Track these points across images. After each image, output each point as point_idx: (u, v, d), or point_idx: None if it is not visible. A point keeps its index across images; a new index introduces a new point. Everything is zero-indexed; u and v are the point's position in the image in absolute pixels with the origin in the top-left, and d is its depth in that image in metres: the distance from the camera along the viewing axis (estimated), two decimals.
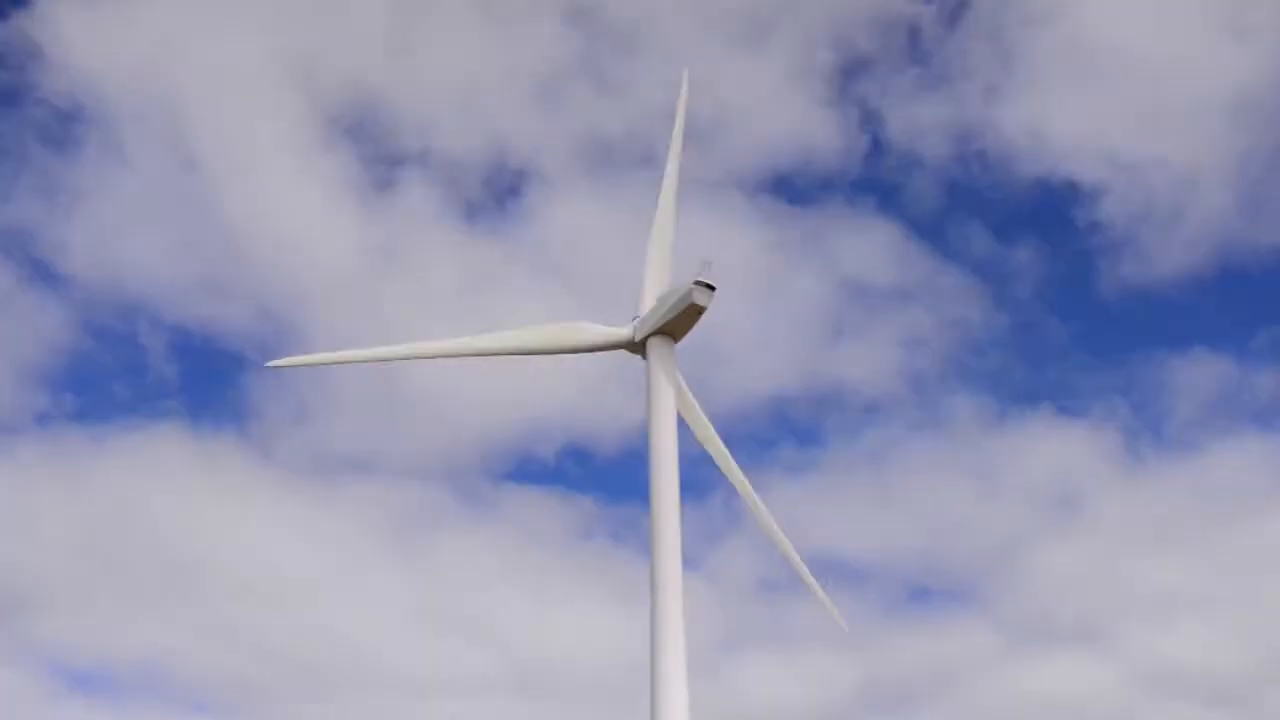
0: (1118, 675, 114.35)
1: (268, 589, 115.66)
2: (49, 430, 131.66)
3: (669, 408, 47.30)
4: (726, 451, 51.97)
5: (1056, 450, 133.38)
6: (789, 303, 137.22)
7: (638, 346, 48.97)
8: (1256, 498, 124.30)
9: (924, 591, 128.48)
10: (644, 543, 46.38)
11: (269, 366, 49.95)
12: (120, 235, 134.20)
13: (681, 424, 48.34)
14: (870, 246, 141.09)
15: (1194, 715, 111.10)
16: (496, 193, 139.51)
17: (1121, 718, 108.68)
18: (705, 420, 51.38)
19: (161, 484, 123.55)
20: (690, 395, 50.82)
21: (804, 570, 53.39)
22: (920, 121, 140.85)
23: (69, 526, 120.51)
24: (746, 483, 52.45)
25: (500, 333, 50.83)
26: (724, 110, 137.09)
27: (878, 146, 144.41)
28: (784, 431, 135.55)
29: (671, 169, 52.82)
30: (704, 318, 47.22)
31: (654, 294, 49.49)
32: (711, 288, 46.44)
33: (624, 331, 49.31)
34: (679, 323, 47.34)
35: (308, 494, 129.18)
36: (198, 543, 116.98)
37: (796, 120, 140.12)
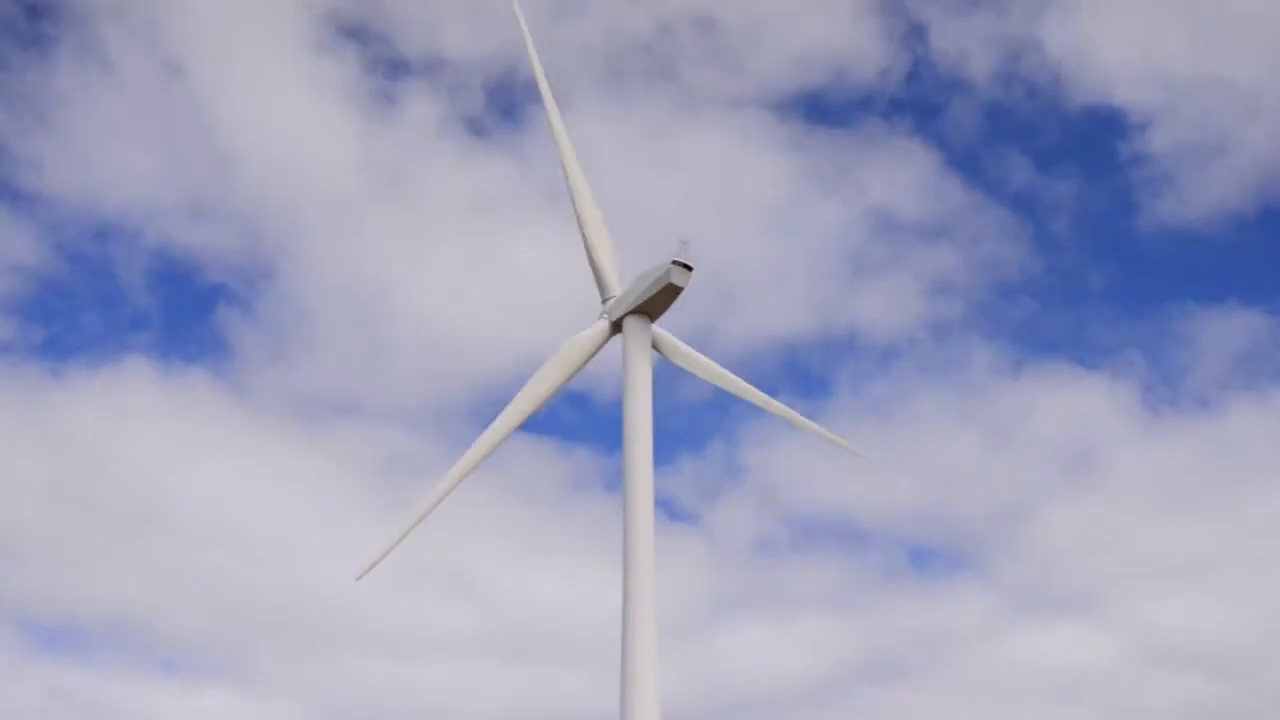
0: (1120, 646, 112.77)
1: (243, 539, 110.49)
2: (11, 362, 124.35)
3: (645, 388, 46.37)
4: (746, 384, 51.24)
5: (1070, 404, 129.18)
6: (808, 236, 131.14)
7: (615, 326, 48.10)
8: (1276, 461, 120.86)
9: (925, 553, 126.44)
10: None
11: (356, 579, 46.39)
12: (97, 149, 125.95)
13: (661, 394, 47.31)
14: (902, 176, 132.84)
15: (1198, 688, 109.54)
16: (503, 105, 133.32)
17: (1123, 690, 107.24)
18: (712, 364, 50.27)
19: (130, 424, 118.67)
20: (687, 349, 49.63)
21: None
22: (965, 39, 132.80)
23: (31, 469, 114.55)
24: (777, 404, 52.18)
25: (500, 420, 48.42)
26: (753, 18, 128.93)
27: (918, 66, 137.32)
28: (791, 378, 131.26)
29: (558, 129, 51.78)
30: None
31: (614, 278, 48.84)
32: (689, 268, 45.64)
33: (601, 324, 48.44)
34: (655, 303, 46.52)
35: (286, 437, 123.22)
36: (168, 488, 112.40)
37: (833, 32, 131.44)
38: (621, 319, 47.37)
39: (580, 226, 50.21)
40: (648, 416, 45.94)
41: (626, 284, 48.48)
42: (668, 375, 49.96)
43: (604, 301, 48.92)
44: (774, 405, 52.11)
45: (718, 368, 50.34)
